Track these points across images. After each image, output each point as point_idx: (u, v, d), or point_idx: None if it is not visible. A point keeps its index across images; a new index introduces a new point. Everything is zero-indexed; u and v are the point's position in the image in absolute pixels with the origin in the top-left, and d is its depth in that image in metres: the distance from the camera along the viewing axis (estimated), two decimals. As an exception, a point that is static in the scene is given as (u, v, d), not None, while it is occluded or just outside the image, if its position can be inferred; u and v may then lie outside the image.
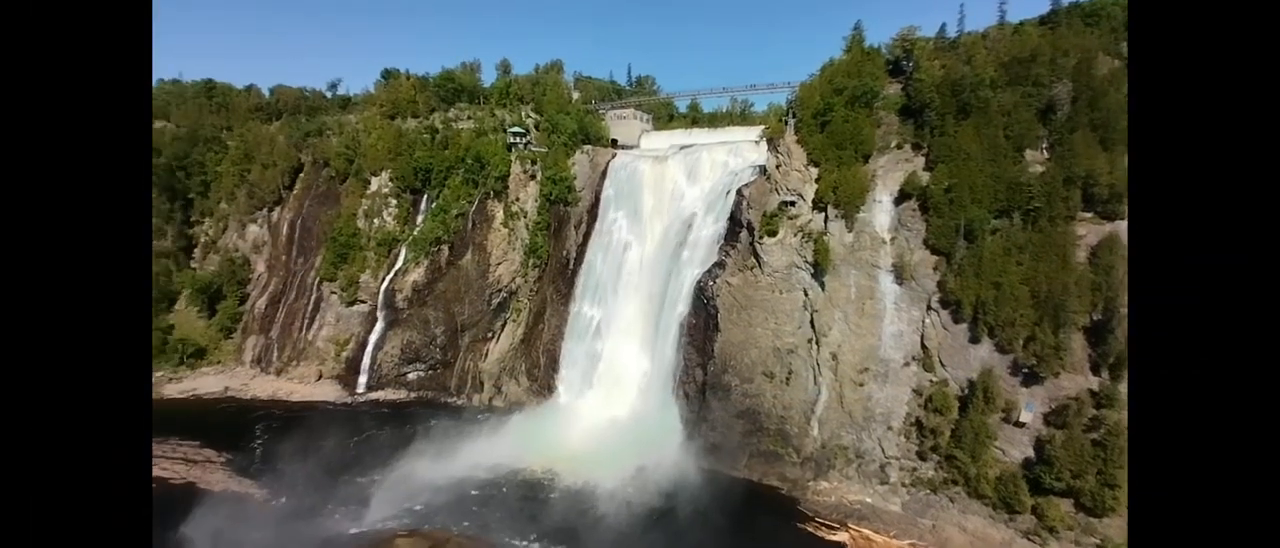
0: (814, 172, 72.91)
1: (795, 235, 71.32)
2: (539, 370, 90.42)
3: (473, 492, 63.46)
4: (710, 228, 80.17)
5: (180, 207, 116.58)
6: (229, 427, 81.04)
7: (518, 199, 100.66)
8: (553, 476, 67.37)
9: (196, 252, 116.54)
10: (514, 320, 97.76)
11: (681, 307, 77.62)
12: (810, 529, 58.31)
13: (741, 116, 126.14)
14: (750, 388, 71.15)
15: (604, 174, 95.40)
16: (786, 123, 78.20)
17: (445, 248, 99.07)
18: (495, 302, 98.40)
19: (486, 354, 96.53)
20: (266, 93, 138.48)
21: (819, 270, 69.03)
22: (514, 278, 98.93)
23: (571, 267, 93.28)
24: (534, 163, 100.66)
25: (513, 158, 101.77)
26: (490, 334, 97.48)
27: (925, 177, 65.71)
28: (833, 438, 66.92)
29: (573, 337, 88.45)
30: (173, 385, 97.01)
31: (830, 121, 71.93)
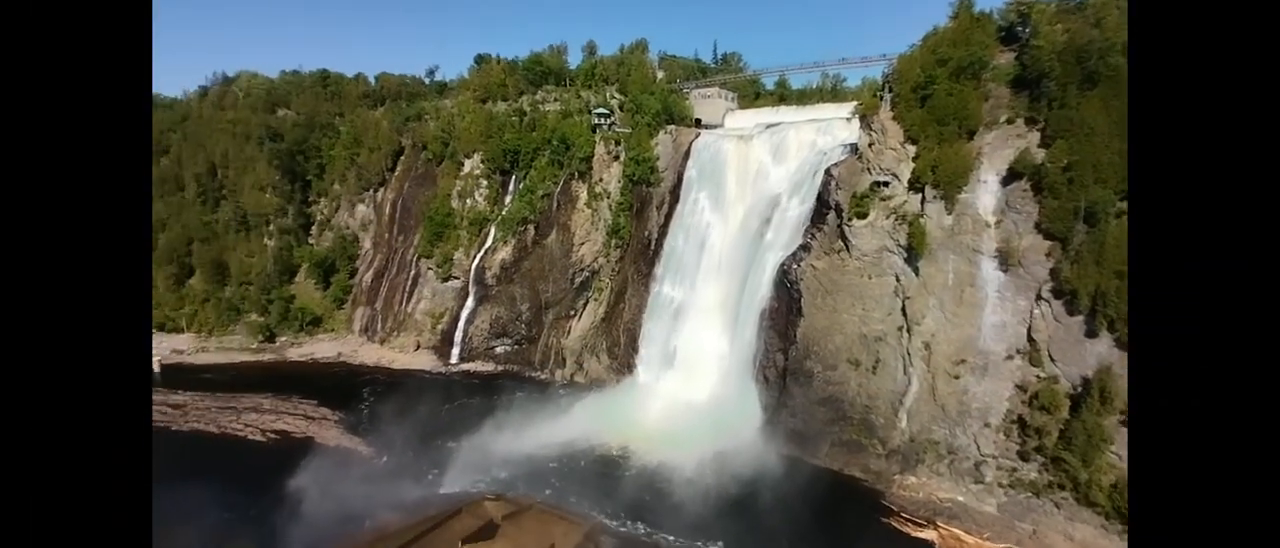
0: (911, 150, 68.37)
1: (887, 218, 67.47)
2: (619, 349, 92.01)
3: (552, 464, 65.96)
4: (795, 210, 77.55)
5: (300, 188, 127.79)
6: (340, 389, 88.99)
7: (601, 180, 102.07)
8: (629, 453, 68.68)
9: (314, 229, 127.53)
10: (596, 299, 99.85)
11: (763, 290, 75.97)
12: (895, 524, 55.91)
13: (832, 93, 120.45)
14: (834, 375, 68.74)
15: (687, 154, 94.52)
16: (882, 98, 73.70)
17: (531, 228, 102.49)
18: (578, 280, 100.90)
19: (569, 331, 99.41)
20: (372, 80, 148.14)
21: (913, 255, 65.04)
22: (596, 258, 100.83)
23: (653, 247, 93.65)
24: (617, 144, 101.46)
25: (597, 139, 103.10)
26: (573, 312, 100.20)
27: (1040, 154, 59.77)
28: (923, 432, 63.46)
29: (653, 317, 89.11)
30: (294, 350, 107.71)
31: (931, 96, 66.92)
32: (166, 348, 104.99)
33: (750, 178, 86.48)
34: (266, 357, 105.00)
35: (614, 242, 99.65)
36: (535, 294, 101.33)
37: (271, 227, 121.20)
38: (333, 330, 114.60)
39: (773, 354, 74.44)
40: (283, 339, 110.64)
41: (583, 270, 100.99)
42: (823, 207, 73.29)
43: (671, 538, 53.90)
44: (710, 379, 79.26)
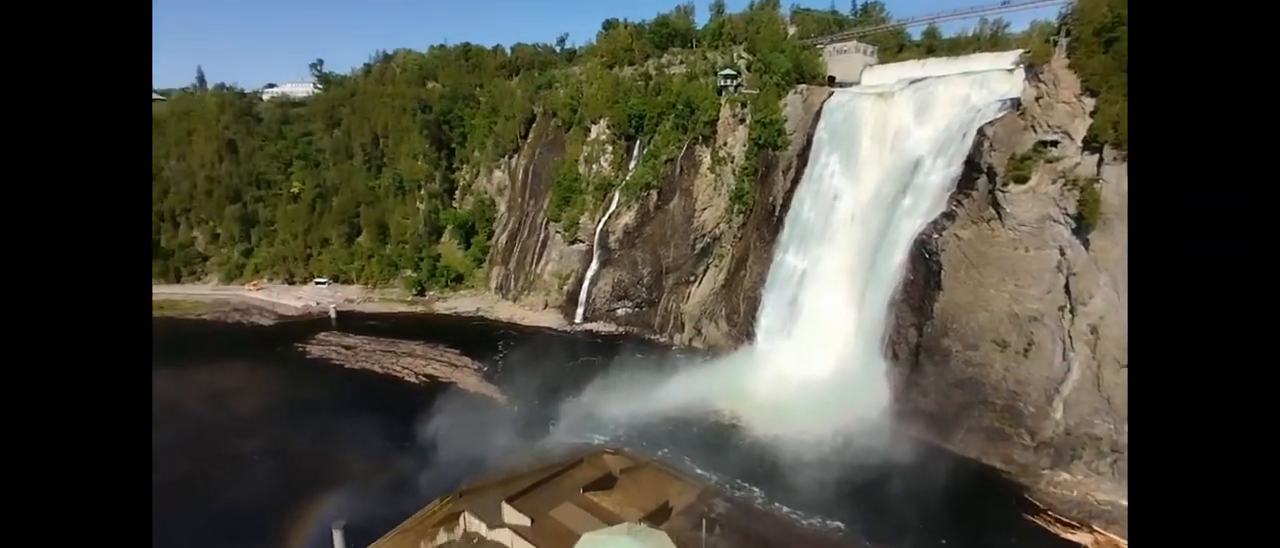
0: (1088, 103, 58.95)
1: (1053, 182, 59.19)
2: (738, 316, 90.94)
3: (667, 425, 67.32)
4: (939, 173, 70.51)
5: (445, 155, 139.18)
6: (478, 341, 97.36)
7: (725, 144, 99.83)
8: (744, 422, 68.22)
9: (457, 193, 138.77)
10: (716, 265, 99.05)
11: (897, 260, 70.55)
12: (1041, 523, 50.58)
13: (991, 41, 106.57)
14: (974, 356, 62.70)
15: (817, 115, 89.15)
16: (1055, 44, 63.93)
17: (654, 193, 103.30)
18: (699, 246, 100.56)
19: (688, 297, 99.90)
20: (509, 52, 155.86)
21: (1083, 225, 56.69)
22: (718, 223, 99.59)
23: (777, 213, 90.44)
24: (743, 106, 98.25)
25: (722, 101, 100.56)
26: (693, 278, 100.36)
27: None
28: (1081, 425, 56.17)
29: (774, 285, 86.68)
30: (440, 303, 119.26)
31: (1120, 38, 56.83)
32: (341, 297, 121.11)
33: (887, 139, 79.76)
34: (418, 308, 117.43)
35: (737, 207, 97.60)
36: (656, 259, 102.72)
37: (422, 191, 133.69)
38: (472, 287, 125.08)
39: (904, 330, 69.41)
40: (431, 294, 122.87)
41: (704, 236, 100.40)
42: (972, 171, 65.93)
43: (786, 510, 53.10)
44: (833, 352, 75.76)
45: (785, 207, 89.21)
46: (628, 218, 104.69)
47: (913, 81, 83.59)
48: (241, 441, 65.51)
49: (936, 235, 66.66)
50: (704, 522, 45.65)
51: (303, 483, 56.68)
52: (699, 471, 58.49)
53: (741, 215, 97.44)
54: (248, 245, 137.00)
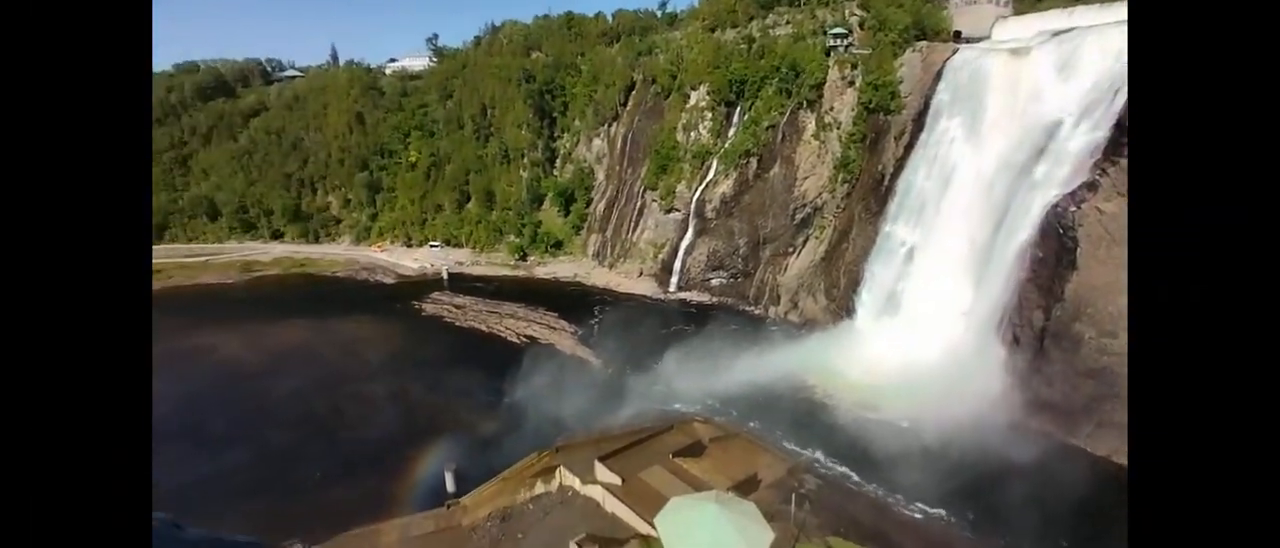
0: None
1: (1229, 147, 50.47)
2: (837, 291, 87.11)
3: (758, 398, 66.20)
4: (1081, 138, 62.51)
5: (547, 124, 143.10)
6: (575, 305, 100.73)
7: (832, 108, 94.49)
8: (839, 401, 65.67)
9: (558, 162, 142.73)
10: (816, 237, 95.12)
11: (1024, 236, 63.86)
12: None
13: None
14: (1112, 344, 55.88)
15: (938, 75, 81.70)
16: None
17: (753, 161, 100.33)
18: (799, 217, 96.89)
19: (785, 268, 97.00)
20: (610, 19, 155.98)
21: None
22: (820, 193, 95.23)
23: (886, 183, 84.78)
24: (854, 68, 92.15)
25: (830, 63, 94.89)
26: (791, 249, 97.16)
27: None
28: (1248, 431, 48.63)
29: (879, 259, 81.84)
30: (541, 268, 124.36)
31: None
32: (452, 260, 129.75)
33: (1020, 100, 71.55)
34: (520, 273, 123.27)
35: (841, 176, 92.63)
36: (753, 229, 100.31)
37: (525, 159, 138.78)
38: (571, 253, 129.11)
39: (1028, 312, 63.15)
40: (532, 258, 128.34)
41: (804, 206, 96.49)
42: (1121, 135, 57.80)
43: (883, 493, 50.84)
44: (941, 334, 70.56)
45: (896, 175, 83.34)
46: (725, 186, 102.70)
47: (1055, 33, 73.97)
48: (369, 385, 72.74)
49: (1074, 208, 59.53)
50: (794, 496, 44.91)
51: (419, 427, 62.15)
52: (789, 446, 57.40)
53: (846, 185, 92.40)
54: (373, 210, 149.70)
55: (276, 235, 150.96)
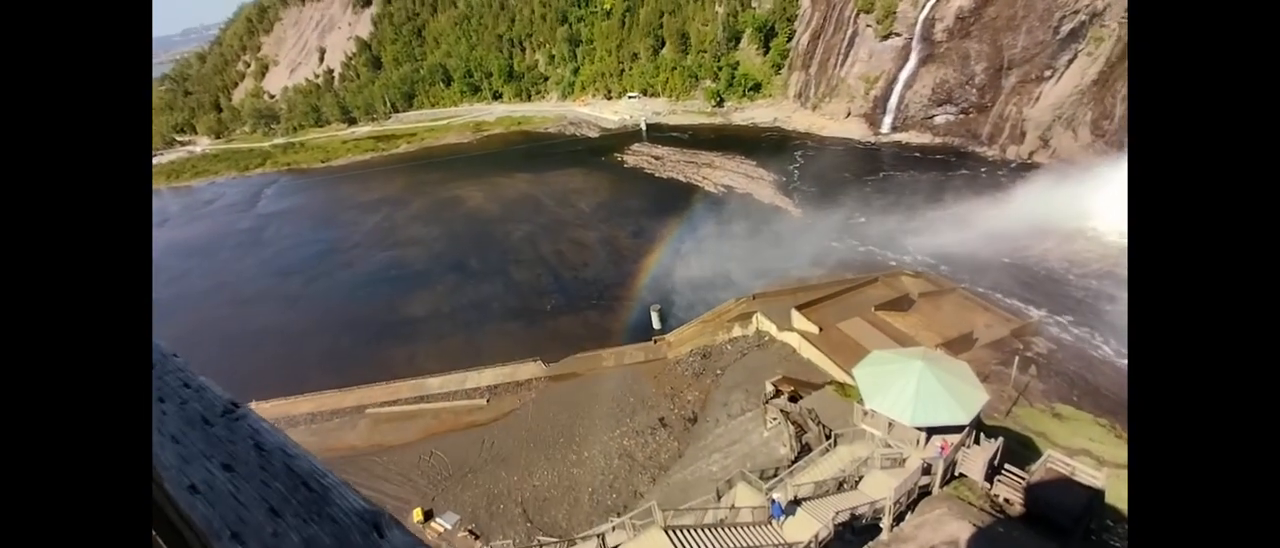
0: None
1: None
2: (1110, 122, 69.61)
3: (984, 256, 58.54)
4: None
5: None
6: (774, 152, 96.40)
7: None
8: (1085, 264, 55.18)
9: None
10: (1088, 53, 75.12)
11: None
12: None
13: None
14: None
15: None
16: None
17: (1004, -41, 79.68)
18: (1065, 28, 76.71)
19: (1038, 98, 79.60)
20: None
21: None
22: (1101, -7, 73.24)
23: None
24: None
25: None
26: (1049, 72, 78.64)
27: None
28: None
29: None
30: (738, 114, 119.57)
31: None
32: (650, 110, 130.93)
33: None
34: (717, 120, 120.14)
35: (1137, -35, 69.35)
36: (997, 51, 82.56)
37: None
38: (770, 96, 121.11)
39: None
40: (729, 104, 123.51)
41: (1076, 13, 75.68)
42: None
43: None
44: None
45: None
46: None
47: None
48: (584, 231, 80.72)
49: None
50: (1017, 359, 40.78)
51: (627, 269, 68.18)
52: (1014, 303, 51.00)
53: (1145, -24, 69.23)
54: (575, 64, 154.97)
55: (496, 96, 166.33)
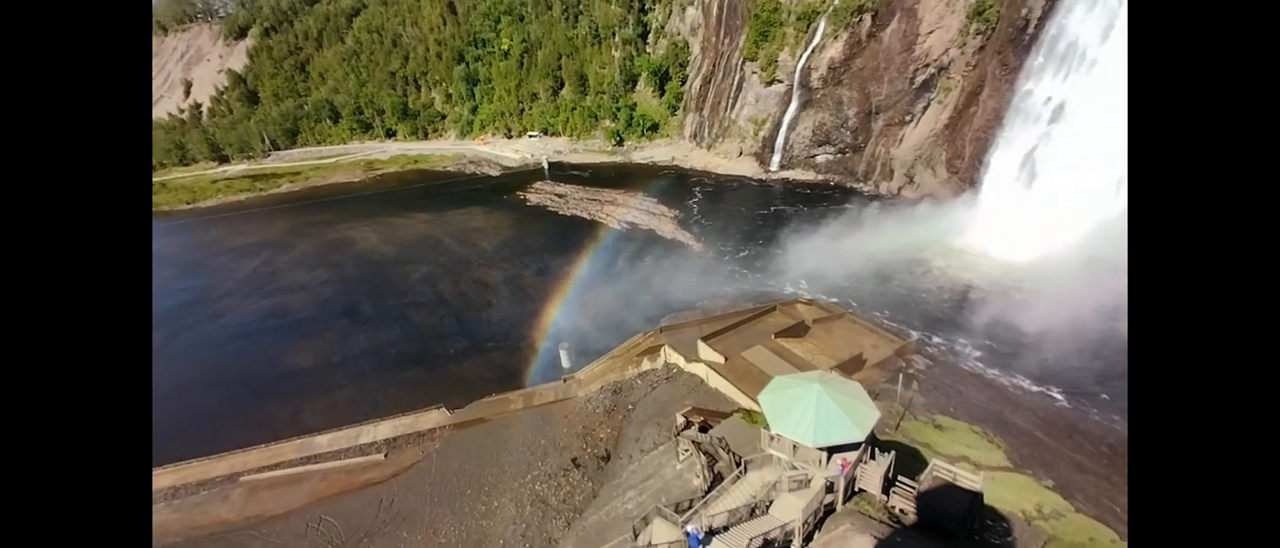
0: None
1: None
2: (961, 162, 79.02)
3: (865, 280, 63.80)
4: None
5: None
6: (673, 189, 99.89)
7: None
8: (960, 283, 61.84)
9: (650, 36, 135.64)
10: (939, 101, 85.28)
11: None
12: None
13: None
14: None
15: (1111, -117, 65.68)
16: None
17: (868, 17, 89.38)
18: (919, 79, 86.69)
19: (901, 140, 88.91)
20: None
21: None
22: (947, 49, 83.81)
23: (1030, 30, 72.58)
24: (997, -114, 76.32)
25: (966, -115, 79.17)
26: (909, 117, 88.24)
27: None
28: None
29: (1015, 123, 72.36)
30: (637, 153, 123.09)
31: None
32: (551, 149, 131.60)
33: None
34: (617, 158, 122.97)
35: (974, 27, 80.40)
36: (865, 97, 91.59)
37: (616, 38, 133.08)
38: (667, 136, 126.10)
39: (1202, 177, 53.76)
40: (629, 143, 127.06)
41: (927, 66, 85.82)
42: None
43: (1012, 380, 47.74)
44: (1088, 208, 62.05)
45: (1045, 19, 70.90)
46: (834, 51, 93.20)
47: None
48: (487, 271, 78.56)
49: None
50: (901, 377, 44.25)
51: (533, 307, 66.94)
52: (895, 325, 55.64)
53: (979, 37, 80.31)
54: (473, 103, 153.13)
55: (390, 134, 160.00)
